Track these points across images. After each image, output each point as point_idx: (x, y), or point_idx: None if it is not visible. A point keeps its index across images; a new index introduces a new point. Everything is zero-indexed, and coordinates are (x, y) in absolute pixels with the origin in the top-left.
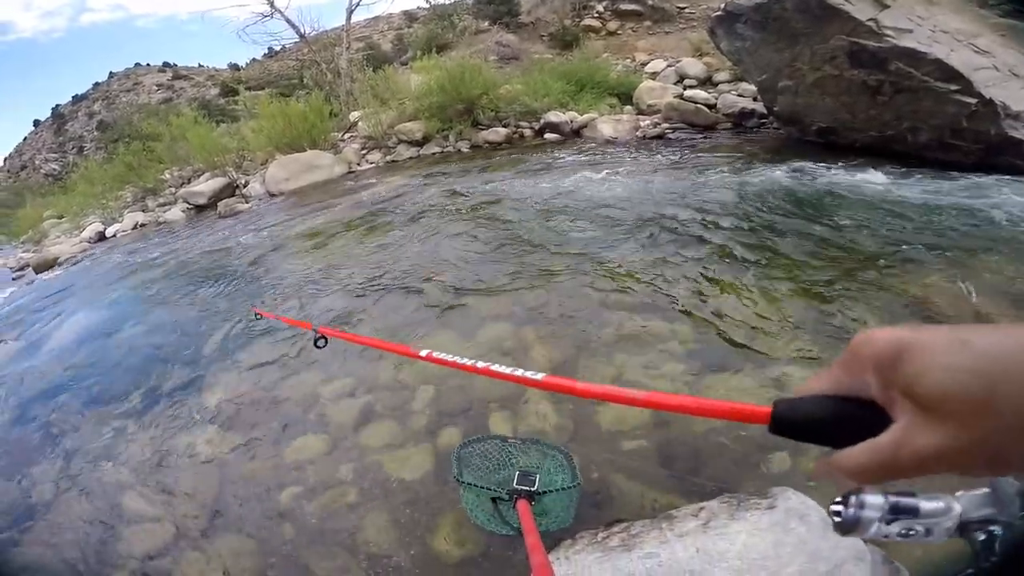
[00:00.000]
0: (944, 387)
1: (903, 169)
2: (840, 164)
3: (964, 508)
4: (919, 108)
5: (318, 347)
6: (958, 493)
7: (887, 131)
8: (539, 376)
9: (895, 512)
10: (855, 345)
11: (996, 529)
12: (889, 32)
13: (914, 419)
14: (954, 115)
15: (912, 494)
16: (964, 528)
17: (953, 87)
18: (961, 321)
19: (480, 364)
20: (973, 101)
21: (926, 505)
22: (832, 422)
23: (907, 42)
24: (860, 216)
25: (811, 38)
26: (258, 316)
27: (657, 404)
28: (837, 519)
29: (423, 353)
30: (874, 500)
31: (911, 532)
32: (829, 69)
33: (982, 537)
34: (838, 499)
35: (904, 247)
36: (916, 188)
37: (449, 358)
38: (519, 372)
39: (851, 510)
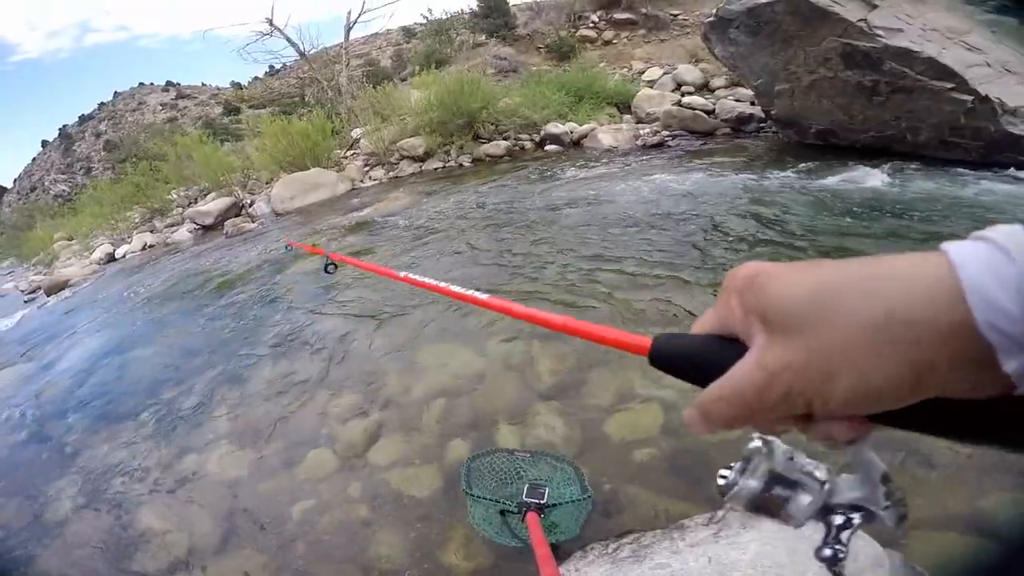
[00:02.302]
0: (787, 304)
1: (904, 169)
2: (841, 165)
3: (834, 488)
4: (916, 107)
5: (328, 272)
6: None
7: (886, 131)
8: (484, 296)
9: (775, 481)
10: (728, 277)
11: (855, 517)
12: (880, 32)
13: (763, 341)
14: (952, 113)
15: (800, 467)
16: (827, 510)
17: (948, 85)
18: None
19: (450, 287)
20: (969, 98)
21: (804, 479)
22: (700, 359)
23: (899, 41)
24: (863, 216)
25: (804, 41)
26: (289, 247)
27: (546, 322)
28: (721, 481)
29: (401, 275)
30: (760, 466)
31: (778, 502)
32: (824, 71)
33: (839, 521)
34: (730, 465)
35: (904, 243)
36: (918, 187)
37: (421, 279)
38: (470, 292)
39: (733, 474)
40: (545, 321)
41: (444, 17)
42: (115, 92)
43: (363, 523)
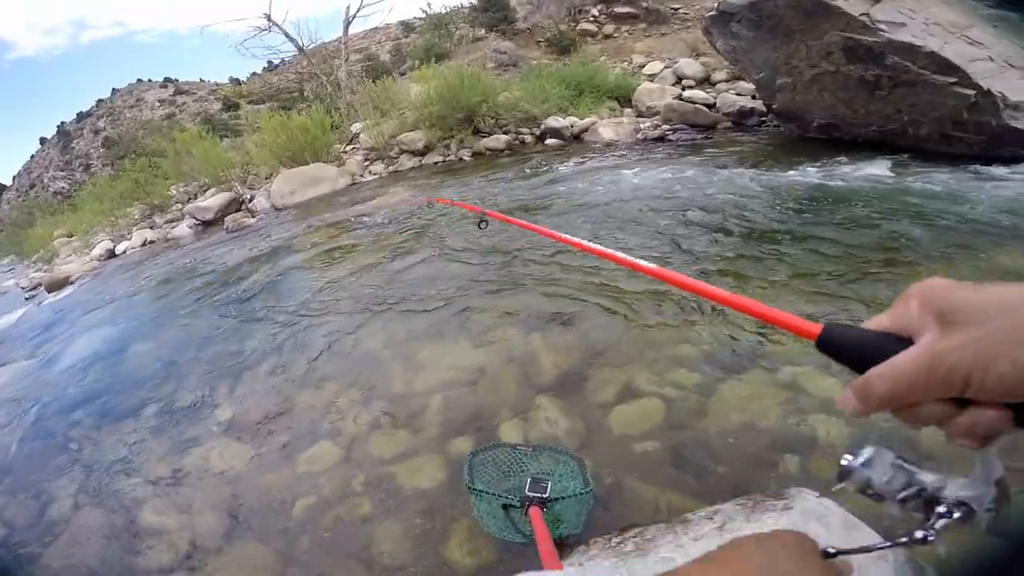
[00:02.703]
0: (963, 305)
1: (907, 163)
2: (843, 160)
3: (943, 486)
4: (918, 101)
5: (480, 228)
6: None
7: (889, 125)
8: (651, 265)
9: (889, 474)
10: (912, 288)
11: (956, 512)
12: (883, 26)
13: (935, 332)
14: (954, 107)
15: (914, 463)
16: (933, 500)
17: (950, 79)
18: None
19: (615, 252)
20: (971, 93)
21: (920, 475)
22: (867, 349)
23: (901, 36)
24: (866, 210)
25: (806, 35)
26: (430, 204)
27: (724, 300)
28: (844, 462)
29: (562, 235)
30: (884, 456)
31: (886, 492)
32: (826, 65)
33: (941, 510)
34: (853, 451)
35: (911, 240)
36: (920, 181)
37: (588, 244)
38: (638, 260)
39: (856, 460)
40: (713, 294)
41: (443, 11)
42: (113, 89)
43: (365, 517)
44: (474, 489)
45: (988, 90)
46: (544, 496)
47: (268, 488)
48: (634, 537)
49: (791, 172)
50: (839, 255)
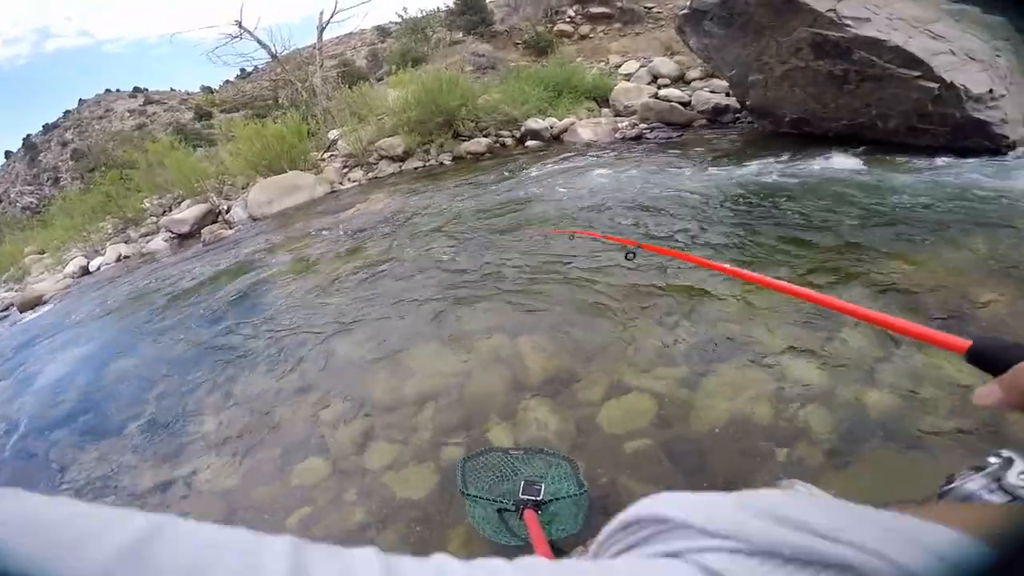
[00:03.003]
0: None
1: (876, 155)
2: (813, 154)
3: None
4: (885, 95)
5: (628, 259)
6: None
7: (858, 119)
8: (802, 289)
9: (994, 490)
10: None
11: None
12: (849, 22)
13: None
14: (919, 100)
15: None
16: None
17: (915, 73)
18: (949, 298)
19: (765, 276)
20: (935, 86)
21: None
22: (1016, 356)
23: (867, 31)
24: (835, 203)
25: (775, 31)
26: (573, 236)
27: (870, 318)
28: (956, 481)
29: (726, 265)
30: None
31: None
32: (796, 61)
33: None
34: (973, 466)
35: (880, 230)
36: (888, 173)
37: (745, 271)
38: (787, 283)
39: (962, 477)
40: (865, 315)
41: (419, 15)
42: (80, 99)
43: (361, 528)
44: (468, 494)
45: (951, 83)
46: (538, 499)
47: (261, 501)
48: None
49: (761, 167)
50: (811, 247)
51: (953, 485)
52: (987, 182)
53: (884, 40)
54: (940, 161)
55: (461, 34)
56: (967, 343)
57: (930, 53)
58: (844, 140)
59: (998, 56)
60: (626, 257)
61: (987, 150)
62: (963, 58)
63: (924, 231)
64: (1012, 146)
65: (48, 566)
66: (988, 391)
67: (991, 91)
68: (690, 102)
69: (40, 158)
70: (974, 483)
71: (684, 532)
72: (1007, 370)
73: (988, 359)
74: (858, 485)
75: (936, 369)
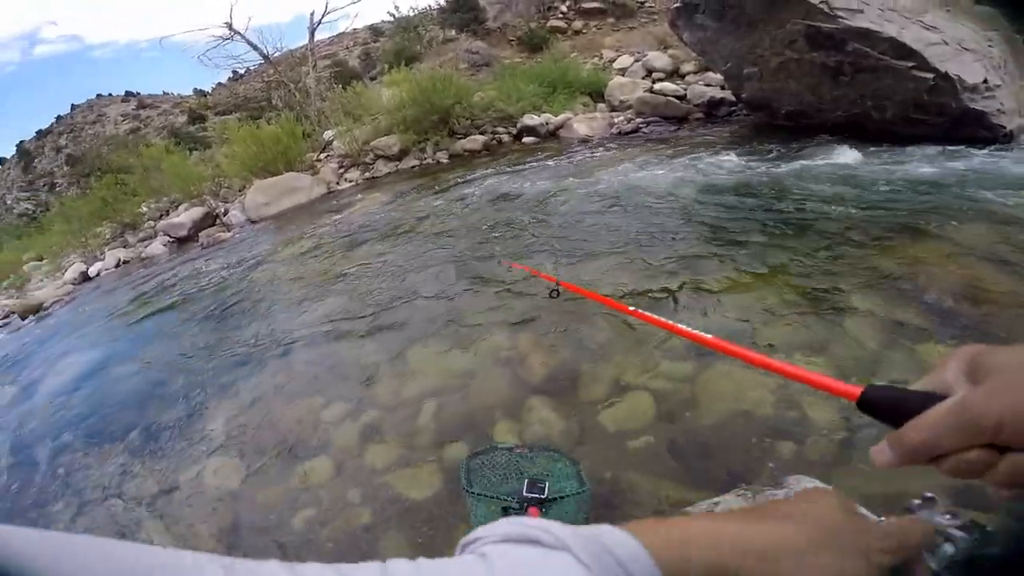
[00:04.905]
0: (1003, 362)
1: (874, 146)
2: (810, 145)
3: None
4: (880, 86)
5: (552, 297)
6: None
7: (854, 110)
8: (709, 336)
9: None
10: (956, 351)
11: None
12: (841, 13)
13: (970, 387)
14: (914, 90)
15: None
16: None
17: (909, 63)
18: (949, 288)
19: (677, 324)
20: (930, 76)
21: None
22: (905, 406)
23: (860, 22)
24: (833, 194)
25: (768, 24)
26: (510, 268)
27: (765, 365)
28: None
29: (631, 308)
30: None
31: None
32: (790, 53)
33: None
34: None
35: (879, 220)
36: (886, 163)
37: (651, 315)
38: (697, 331)
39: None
40: (763, 363)
41: (412, 14)
42: (72, 105)
43: (366, 528)
44: (472, 492)
45: (946, 73)
46: (542, 496)
47: (266, 503)
48: None
49: (758, 159)
50: (813, 239)
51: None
52: (986, 172)
53: (877, 31)
54: (938, 151)
55: (454, 32)
56: (858, 389)
57: (923, 44)
58: (841, 131)
59: (991, 46)
60: (550, 295)
61: (985, 140)
62: (956, 48)
63: (924, 221)
64: (1010, 136)
65: None
66: (879, 450)
67: (986, 81)
68: (685, 96)
69: (35, 164)
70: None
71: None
72: (897, 420)
73: (880, 410)
74: (861, 481)
75: None
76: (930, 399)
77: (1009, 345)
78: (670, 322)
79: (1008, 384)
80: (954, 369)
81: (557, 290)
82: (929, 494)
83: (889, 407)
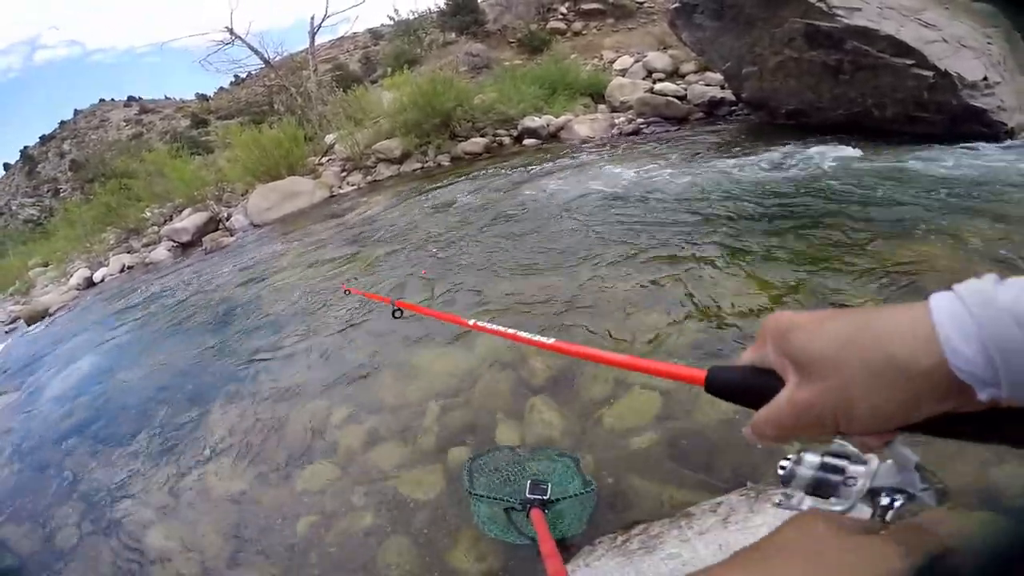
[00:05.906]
0: (810, 353)
1: (875, 144)
2: (811, 144)
3: (879, 474)
4: (880, 84)
5: (395, 317)
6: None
7: (854, 108)
8: (549, 340)
9: (824, 469)
10: (764, 324)
11: (898, 498)
12: (839, 11)
13: (796, 380)
14: (914, 88)
15: (846, 456)
16: (873, 492)
17: (908, 61)
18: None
19: (517, 332)
20: (929, 74)
21: (850, 467)
22: (748, 388)
23: (858, 20)
24: (835, 192)
25: (767, 23)
26: (347, 292)
27: (611, 361)
28: (781, 472)
29: (470, 322)
30: (811, 458)
31: (831, 486)
32: (789, 52)
33: (884, 502)
34: (787, 456)
35: (881, 217)
36: (887, 162)
37: (491, 326)
38: (536, 337)
39: (791, 465)
40: (610, 360)
41: (411, 17)
42: (75, 110)
43: (370, 531)
44: (475, 494)
45: (945, 71)
46: (545, 498)
47: (270, 507)
48: (639, 535)
49: (759, 158)
50: (817, 237)
51: (795, 476)
52: (987, 169)
53: (875, 29)
54: (939, 149)
55: (454, 35)
56: (703, 374)
57: (922, 41)
58: (842, 130)
59: (990, 43)
60: (393, 316)
61: (986, 137)
62: (955, 46)
63: (924, 219)
64: (1011, 133)
65: None
66: (748, 436)
67: (986, 78)
68: (686, 96)
69: (39, 169)
70: (807, 469)
71: None
72: (745, 401)
73: (727, 391)
74: None
75: None
76: (767, 377)
77: (812, 312)
78: (509, 331)
79: (837, 384)
80: (772, 348)
81: (397, 311)
82: (797, 454)
83: (735, 391)
